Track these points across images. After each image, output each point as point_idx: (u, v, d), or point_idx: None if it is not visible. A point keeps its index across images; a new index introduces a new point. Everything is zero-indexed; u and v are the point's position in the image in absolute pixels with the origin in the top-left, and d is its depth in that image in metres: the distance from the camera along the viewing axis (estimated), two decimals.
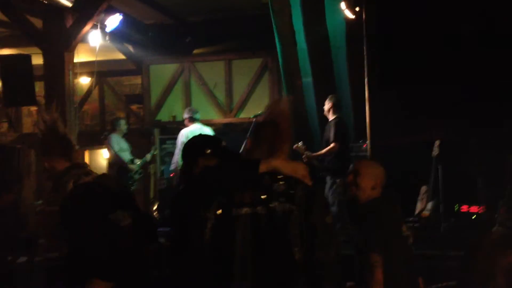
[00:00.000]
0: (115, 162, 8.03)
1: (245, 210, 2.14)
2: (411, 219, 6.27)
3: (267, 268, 2.11)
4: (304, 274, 2.13)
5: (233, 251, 2.10)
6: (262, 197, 2.14)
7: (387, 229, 2.81)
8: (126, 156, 8.15)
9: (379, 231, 2.77)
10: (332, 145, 6.47)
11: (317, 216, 2.17)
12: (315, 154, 6.54)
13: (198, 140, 2.70)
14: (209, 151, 2.45)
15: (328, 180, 6.50)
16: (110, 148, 8.10)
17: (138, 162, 8.26)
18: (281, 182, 2.17)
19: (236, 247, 2.10)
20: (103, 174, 2.87)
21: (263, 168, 2.16)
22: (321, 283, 2.14)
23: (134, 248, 2.57)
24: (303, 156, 6.46)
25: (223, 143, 2.60)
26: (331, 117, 6.70)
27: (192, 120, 7.67)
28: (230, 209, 2.14)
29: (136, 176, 8.24)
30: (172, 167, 7.79)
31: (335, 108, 6.65)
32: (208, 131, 7.61)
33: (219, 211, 2.14)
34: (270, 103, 2.60)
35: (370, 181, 2.95)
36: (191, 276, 2.18)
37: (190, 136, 7.25)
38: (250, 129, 2.54)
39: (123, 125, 8.36)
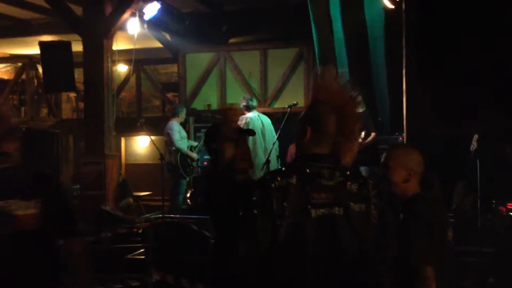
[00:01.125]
0: (177, 149, 7.91)
1: (322, 211, 1.99)
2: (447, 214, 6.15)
3: (343, 270, 1.99)
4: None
5: (307, 253, 1.96)
6: (339, 196, 2.00)
7: (436, 236, 2.41)
8: (185, 144, 8.13)
9: (429, 239, 2.37)
10: (373, 134, 6.56)
11: (390, 215, 2.10)
12: (364, 142, 6.55)
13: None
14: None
15: (364, 170, 6.49)
16: (170, 135, 7.89)
17: (195, 150, 8.22)
18: (354, 183, 2.03)
19: (311, 249, 1.96)
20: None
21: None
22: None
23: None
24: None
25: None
26: (360, 109, 6.66)
27: (249, 108, 7.58)
28: (308, 209, 1.97)
29: (195, 164, 8.21)
30: None
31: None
32: (265, 119, 7.58)
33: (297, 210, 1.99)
34: (320, 77, 2.17)
35: (401, 171, 2.52)
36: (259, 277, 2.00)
37: (250, 123, 7.34)
38: (304, 115, 2.23)
39: (184, 113, 8.23)
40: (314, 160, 2.03)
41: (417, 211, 2.49)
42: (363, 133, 6.65)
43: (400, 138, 6.84)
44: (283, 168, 2.22)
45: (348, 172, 2.06)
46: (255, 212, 1.95)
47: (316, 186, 1.98)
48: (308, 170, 1.99)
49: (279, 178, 1.97)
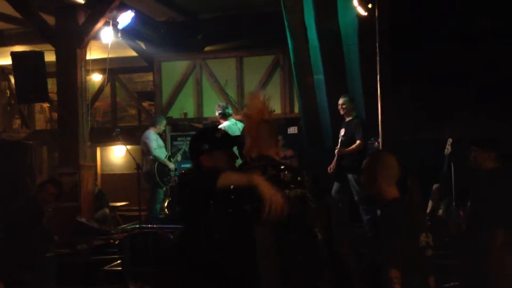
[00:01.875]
0: (154, 158, 7.88)
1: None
2: None
3: (292, 254, 2.13)
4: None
5: (254, 244, 2.13)
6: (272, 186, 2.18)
7: (405, 239, 2.45)
8: (163, 153, 8.09)
9: (396, 242, 2.42)
10: (358, 142, 6.59)
11: (328, 197, 2.25)
12: (347, 150, 6.59)
13: (196, 137, 2.72)
14: (206, 147, 2.48)
15: (351, 177, 6.52)
16: (147, 144, 7.91)
17: (172, 160, 8.18)
18: (286, 172, 2.23)
19: (257, 239, 2.13)
20: None
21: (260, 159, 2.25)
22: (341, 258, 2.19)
23: None
24: (336, 150, 6.59)
25: (219, 133, 2.61)
26: (351, 116, 6.77)
27: (225, 116, 7.54)
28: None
29: (172, 173, 8.16)
30: None
31: (352, 106, 6.79)
32: (242, 126, 7.56)
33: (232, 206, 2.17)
34: (248, 99, 2.59)
35: (370, 174, 2.60)
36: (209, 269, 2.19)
37: (228, 132, 7.32)
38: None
39: (163, 124, 8.24)
40: (251, 161, 2.39)
41: (388, 214, 2.56)
42: (340, 139, 6.69)
43: (376, 144, 6.91)
44: None
45: (282, 166, 2.35)
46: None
47: None
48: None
49: None
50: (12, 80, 9.60)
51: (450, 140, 6.51)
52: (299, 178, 2.25)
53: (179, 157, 8.45)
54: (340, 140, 6.74)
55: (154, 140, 7.96)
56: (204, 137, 2.67)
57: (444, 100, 6.39)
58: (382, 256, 2.42)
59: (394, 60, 6.27)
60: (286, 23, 7.34)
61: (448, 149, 6.50)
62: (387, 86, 6.30)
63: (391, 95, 6.37)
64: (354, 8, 7.02)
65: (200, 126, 9.36)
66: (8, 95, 10.41)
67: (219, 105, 7.76)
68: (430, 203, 6.45)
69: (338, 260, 2.16)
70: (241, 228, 2.19)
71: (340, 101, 6.84)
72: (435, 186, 6.46)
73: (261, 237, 2.18)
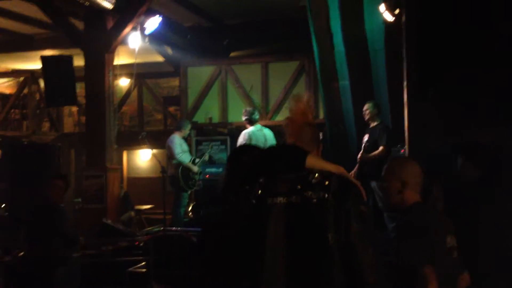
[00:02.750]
0: (178, 162, 7.95)
1: (279, 199, 2.17)
2: None
3: (300, 258, 2.13)
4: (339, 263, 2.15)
5: (264, 240, 2.14)
6: (298, 187, 2.17)
7: (429, 239, 2.44)
8: (187, 157, 8.15)
9: (419, 241, 2.41)
10: (382, 148, 6.57)
11: (351, 204, 2.19)
12: (369, 155, 6.55)
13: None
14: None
15: (374, 185, 6.48)
16: (171, 148, 7.97)
17: (198, 163, 8.24)
18: (316, 174, 2.21)
19: (268, 237, 2.13)
20: None
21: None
22: (355, 269, 2.15)
23: None
24: (358, 156, 6.56)
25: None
26: (376, 121, 6.74)
27: (251, 121, 7.56)
28: (265, 198, 2.17)
29: (197, 177, 8.23)
30: None
31: (376, 112, 6.77)
32: (267, 132, 7.56)
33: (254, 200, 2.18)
34: (292, 102, 2.53)
35: (395, 182, 2.59)
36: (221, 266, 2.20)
37: (253, 138, 7.32)
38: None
39: (188, 128, 8.30)
40: None
41: (407, 217, 2.60)
42: (364, 145, 6.65)
43: (402, 151, 6.83)
44: None
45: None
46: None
47: (278, 180, 2.23)
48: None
49: None
50: (42, 84, 9.81)
51: None
52: (326, 182, 2.23)
53: (206, 157, 8.48)
54: (363, 146, 6.70)
55: (178, 144, 8.01)
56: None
57: (472, 108, 6.28)
58: (412, 257, 2.41)
59: (421, 65, 6.20)
60: (311, 29, 7.33)
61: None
62: (413, 92, 6.23)
63: (418, 101, 6.30)
64: (380, 13, 6.97)
65: (225, 130, 9.40)
66: (38, 98, 10.62)
67: (245, 110, 7.78)
68: None
69: (350, 268, 2.13)
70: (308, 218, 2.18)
71: (365, 107, 6.81)
72: None
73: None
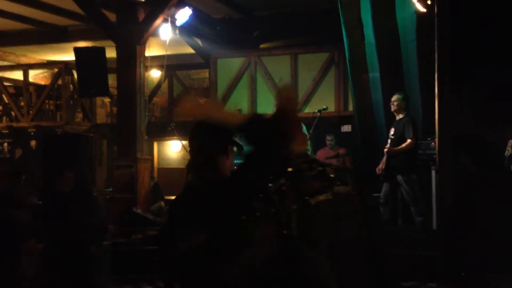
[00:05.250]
0: None
1: (321, 197, 2.14)
2: None
3: (343, 252, 2.13)
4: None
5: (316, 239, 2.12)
6: (325, 183, 2.15)
7: None
8: None
9: None
10: (409, 141, 6.43)
11: (365, 196, 2.20)
12: (396, 149, 6.47)
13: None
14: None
15: (400, 178, 6.39)
16: None
17: None
18: (329, 168, 2.19)
19: (319, 234, 2.12)
20: None
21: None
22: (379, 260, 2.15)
23: None
24: (385, 150, 6.48)
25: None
26: (402, 114, 6.63)
27: None
28: (307, 199, 2.13)
29: None
30: None
31: (405, 105, 6.63)
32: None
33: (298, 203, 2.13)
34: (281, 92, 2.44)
35: None
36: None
37: None
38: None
39: None
40: (289, 159, 2.17)
41: None
42: (390, 138, 6.54)
43: (433, 144, 6.72)
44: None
45: (324, 163, 2.23)
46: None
47: (305, 179, 2.13)
48: (290, 169, 2.14)
49: (270, 184, 2.09)
50: (75, 75, 10.00)
51: (511, 142, 6.28)
52: (343, 176, 2.21)
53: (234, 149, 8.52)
54: (389, 139, 6.60)
55: None
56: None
57: (505, 100, 6.14)
58: None
59: (454, 57, 6.08)
60: (342, 20, 7.26)
61: (508, 150, 6.27)
62: (445, 85, 6.12)
63: (450, 94, 6.19)
64: (412, 4, 6.86)
65: None
66: (71, 89, 10.82)
67: None
68: None
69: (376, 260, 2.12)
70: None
71: (393, 98, 6.69)
72: None
73: None
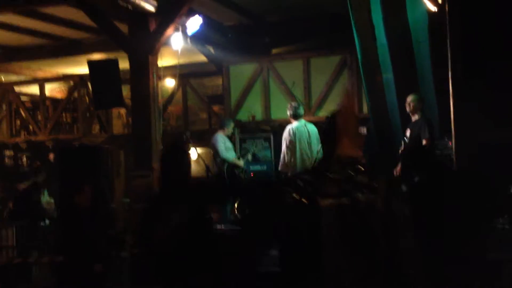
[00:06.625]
0: (223, 160, 8.14)
1: (330, 201, 2.16)
2: (501, 221, 5.92)
3: (351, 256, 2.11)
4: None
5: (319, 239, 2.13)
6: (346, 188, 2.15)
7: None
8: (231, 154, 8.30)
9: None
10: (425, 141, 6.41)
11: (398, 207, 2.17)
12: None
13: None
14: None
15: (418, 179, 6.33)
16: (215, 146, 8.20)
17: (241, 161, 8.39)
18: (363, 174, 2.19)
19: (323, 236, 2.13)
20: None
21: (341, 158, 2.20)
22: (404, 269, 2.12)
23: None
24: (401, 152, 6.45)
25: None
26: (418, 115, 6.60)
27: (295, 116, 7.55)
28: (316, 199, 2.16)
29: (242, 175, 8.38)
30: (280, 167, 7.55)
31: (420, 105, 6.61)
32: (311, 127, 7.55)
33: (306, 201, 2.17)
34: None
35: None
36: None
37: (296, 133, 7.33)
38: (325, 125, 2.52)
39: (231, 126, 8.48)
40: (325, 160, 2.23)
41: None
42: (406, 139, 6.50)
43: (450, 143, 6.65)
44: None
45: (359, 167, 2.16)
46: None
47: (327, 181, 2.12)
48: (318, 168, 2.18)
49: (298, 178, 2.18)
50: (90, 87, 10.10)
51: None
52: (374, 184, 2.20)
53: (249, 157, 8.57)
54: (404, 140, 6.56)
55: (222, 142, 8.13)
56: None
57: None
58: None
59: (467, 56, 6.01)
60: (352, 22, 7.22)
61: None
62: (459, 84, 6.06)
63: (465, 93, 6.12)
64: (423, 3, 6.81)
65: (268, 128, 9.41)
66: (87, 101, 10.93)
67: (291, 105, 7.75)
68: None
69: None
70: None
71: (409, 99, 6.66)
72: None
73: None
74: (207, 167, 7.64)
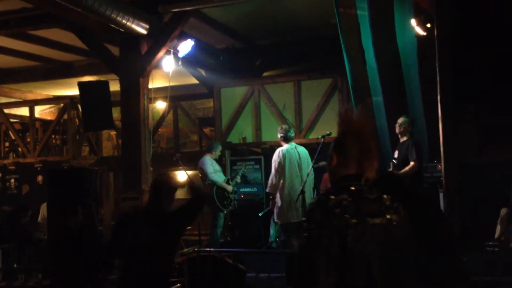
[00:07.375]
0: (212, 182, 8.12)
1: (377, 220, 2.14)
2: (490, 243, 5.93)
3: (392, 277, 2.11)
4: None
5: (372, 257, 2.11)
6: (380, 208, 2.16)
7: None
8: (221, 177, 8.28)
9: None
10: (412, 163, 6.40)
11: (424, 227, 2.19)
12: (400, 172, 6.43)
13: None
14: None
15: None
16: (203, 169, 8.18)
17: (231, 183, 8.39)
18: (388, 196, 2.19)
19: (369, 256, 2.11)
20: None
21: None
22: None
23: None
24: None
25: None
26: (406, 137, 6.62)
27: (286, 139, 7.55)
28: (366, 219, 2.13)
29: (232, 196, 8.35)
30: (268, 189, 7.42)
31: (411, 128, 6.63)
32: (301, 150, 7.55)
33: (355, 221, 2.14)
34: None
35: None
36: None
37: (286, 156, 7.33)
38: (331, 145, 2.45)
39: (219, 150, 8.46)
40: (349, 180, 2.22)
41: None
42: (394, 161, 6.52)
43: (439, 166, 6.67)
44: (330, 189, 2.32)
45: (381, 187, 2.23)
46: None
47: (365, 200, 2.16)
48: (353, 188, 2.19)
49: (332, 196, 2.16)
50: (81, 109, 10.08)
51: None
52: (395, 204, 2.20)
53: (238, 179, 8.57)
54: (392, 162, 6.57)
55: (209, 164, 8.13)
56: None
57: (509, 122, 6.10)
58: None
59: (456, 79, 6.08)
60: (343, 46, 7.29)
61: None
62: (448, 107, 6.11)
63: (453, 116, 6.17)
64: (412, 28, 6.90)
65: (259, 150, 9.41)
66: (77, 123, 10.89)
67: (281, 128, 7.74)
68: (498, 228, 6.15)
69: None
70: None
71: (400, 120, 6.69)
72: (503, 210, 6.16)
73: None
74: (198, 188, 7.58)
